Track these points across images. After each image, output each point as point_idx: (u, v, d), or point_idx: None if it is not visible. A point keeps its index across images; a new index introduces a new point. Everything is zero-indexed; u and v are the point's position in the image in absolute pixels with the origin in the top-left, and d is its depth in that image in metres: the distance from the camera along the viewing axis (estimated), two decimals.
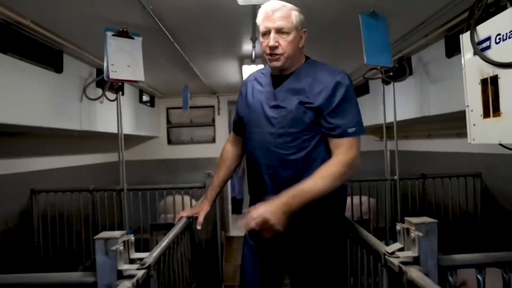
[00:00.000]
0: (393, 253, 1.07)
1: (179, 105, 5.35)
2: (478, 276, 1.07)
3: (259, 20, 1.50)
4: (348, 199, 3.73)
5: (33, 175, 3.41)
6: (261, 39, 1.50)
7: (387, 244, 1.15)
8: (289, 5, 1.48)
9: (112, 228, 3.90)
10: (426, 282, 0.88)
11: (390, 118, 3.54)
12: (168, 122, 6.03)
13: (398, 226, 1.10)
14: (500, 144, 1.50)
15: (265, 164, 1.51)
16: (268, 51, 1.47)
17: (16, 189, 3.22)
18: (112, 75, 2.32)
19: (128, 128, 4.29)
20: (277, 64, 1.48)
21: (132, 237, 1.09)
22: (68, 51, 2.93)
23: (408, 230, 1.05)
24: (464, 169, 3.53)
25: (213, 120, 6.06)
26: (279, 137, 1.47)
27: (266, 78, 1.61)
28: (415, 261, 1.01)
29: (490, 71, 1.43)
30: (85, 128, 3.33)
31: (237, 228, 5.90)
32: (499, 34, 1.38)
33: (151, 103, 5.48)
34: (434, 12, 2.42)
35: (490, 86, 1.45)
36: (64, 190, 3.49)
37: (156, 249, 1.23)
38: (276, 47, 1.44)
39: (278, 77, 1.56)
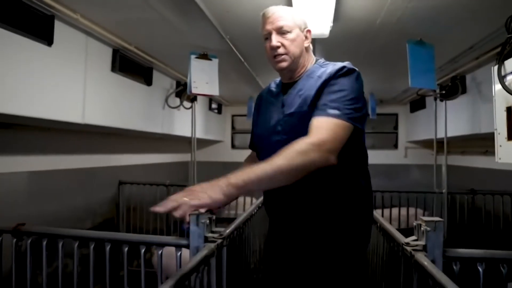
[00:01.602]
0: (408, 243, 1.39)
1: (243, 112, 5.86)
2: (479, 267, 1.35)
3: (260, 27, 1.44)
4: (395, 210, 3.94)
5: (121, 169, 4.08)
6: (265, 44, 1.44)
7: None
8: (287, 7, 1.44)
9: (181, 220, 4.50)
10: (426, 261, 1.20)
11: (443, 134, 3.70)
12: (233, 128, 6.58)
13: (415, 223, 1.41)
14: None
15: None
16: (271, 53, 1.40)
17: (107, 180, 3.89)
18: (194, 90, 2.84)
19: (199, 133, 4.86)
20: (283, 64, 1.40)
21: (214, 216, 1.52)
22: (156, 68, 3.53)
23: (420, 225, 1.36)
24: None
25: None
26: (287, 143, 1.24)
27: (277, 88, 1.53)
28: (424, 249, 1.32)
29: (510, 100, 1.67)
30: (166, 132, 3.93)
31: None
32: None
33: (219, 110, 6.06)
34: (481, 39, 2.62)
35: None
36: (144, 183, 4.12)
37: (230, 227, 1.66)
38: (278, 47, 1.38)
39: (288, 85, 1.47)
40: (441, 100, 3.73)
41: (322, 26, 2.20)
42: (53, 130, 2.85)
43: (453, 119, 3.70)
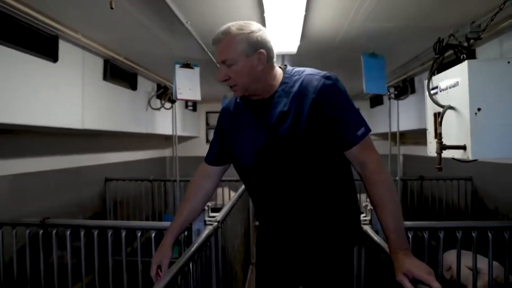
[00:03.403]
0: None
1: (217, 109, 6.24)
2: (408, 234, 1.84)
3: None
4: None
5: (106, 166, 4.36)
6: None
7: None
8: (234, 30, 1.27)
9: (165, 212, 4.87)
10: (370, 230, 1.66)
11: (401, 127, 4.26)
12: (207, 124, 6.95)
13: (363, 204, 1.87)
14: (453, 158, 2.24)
15: (272, 198, 1.38)
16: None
17: (95, 178, 4.17)
18: (179, 96, 3.20)
19: (178, 130, 5.20)
20: (236, 94, 1.37)
21: (209, 203, 1.92)
22: (140, 73, 3.84)
23: (367, 205, 1.82)
24: (459, 173, 4.18)
25: None
26: (277, 165, 1.33)
27: (247, 105, 1.40)
28: (370, 222, 1.79)
29: (437, 108, 2.16)
30: (149, 131, 4.25)
31: None
32: (441, 86, 2.11)
33: (194, 108, 6.39)
34: (423, 50, 3.13)
35: (437, 118, 2.18)
36: (130, 179, 4.43)
37: (221, 213, 2.06)
38: (225, 80, 1.30)
39: (260, 102, 1.36)
40: (394, 99, 4.28)
41: (291, 45, 2.62)
42: (44, 133, 3.11)
43: (405, 115, 4.26)
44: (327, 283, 1.40)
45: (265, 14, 2.20)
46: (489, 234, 1.83)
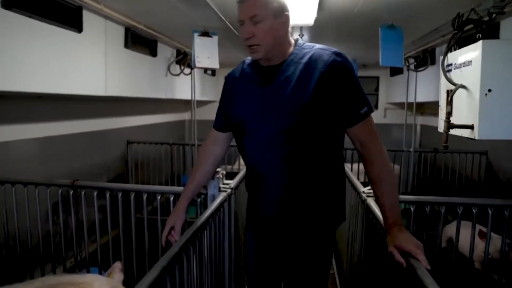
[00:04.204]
0: (364, 191, 1.96)
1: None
2: (411, 208, 1.94)
3: (238, 10, 1.32)
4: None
5: (128, 130, 4.55)
6: (240, 29, 1.34)
7: None
8: None
9: (183, 174, 5.09)
10: (373, 203, 1.77)
11: (419, 99, 4.24)
12: None
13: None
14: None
15: (266, 168, 1.39)
16: (245, 42, 1.32)
17: (118, 140, 4.37)
18: (198, 64, 3.28)
19: (196, 95, 5.30)
20: (256, 56, 1.33)
21: (224, 171, 2.06)
22: (160, 40, 3.90)
23: None
24: (475, 147, 4.17)
25: None
26: (280, 133, 1.34)
27: (255, 71, 1.42)
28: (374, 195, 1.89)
29: (450, 85, 2.18)
30: (169, 97, 4.37)
31: None
32: (455, 63, 2.12)
33: (213, 73, 6.45)
34: (444, 23, 3.07)
35: (449, 96, 2.20)
36: (150, 142, 4.63)
37: (235, 180, 2.20)
38: (250, 38, 1.29)
39: (269, 69, 1.38)
40: (413, 70, 4.23)
41: (308, 17, 2.63)
42: (71, 99, 3.27)
43: (423, 86, 4.22)
44: (308, 267, 1.46)
45: None
46: (489, 211, 1.91)
